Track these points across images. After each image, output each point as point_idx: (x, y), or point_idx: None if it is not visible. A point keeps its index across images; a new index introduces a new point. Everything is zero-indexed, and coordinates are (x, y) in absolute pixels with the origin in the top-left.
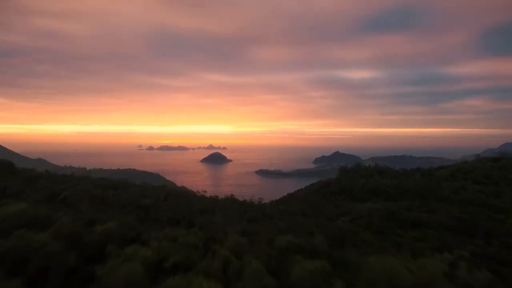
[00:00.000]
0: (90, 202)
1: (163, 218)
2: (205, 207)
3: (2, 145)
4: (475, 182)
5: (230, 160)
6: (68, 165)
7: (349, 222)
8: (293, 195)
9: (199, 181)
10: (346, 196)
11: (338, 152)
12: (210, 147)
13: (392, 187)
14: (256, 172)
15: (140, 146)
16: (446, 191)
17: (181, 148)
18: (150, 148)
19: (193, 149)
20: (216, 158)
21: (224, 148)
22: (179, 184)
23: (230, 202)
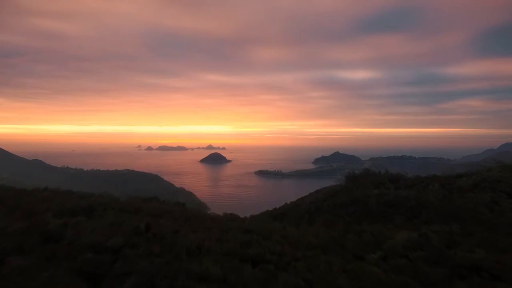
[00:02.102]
0: (34, 246)
1: (129, 284)
2: (196, 244)
3: None
4: (508, 195)
5: (229, 161)
6: (65, 166)
7: (383, 261)
8: (298, 206)
9: (198, 182)
10: (360, 210)
11: (337, 152)
12: (210, 147)
13: (412, 200)
14: (256, 172)
15: (139, 146)
16: (485, 210)
17: (180, 148)
18: (149, 148)
19: (192, 149)
20: (215, 159)
21: (224, 148)
22: (178, 185)
23: (229, 220)
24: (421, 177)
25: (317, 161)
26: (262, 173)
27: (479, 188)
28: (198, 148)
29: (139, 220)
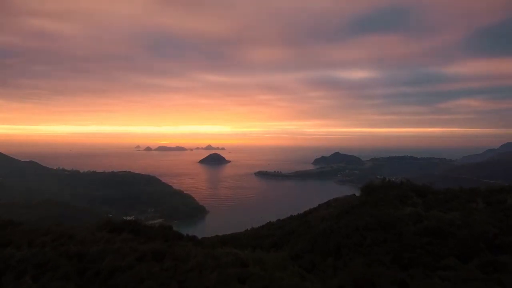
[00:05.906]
0: None
1: None
2: None
3: None
4: None
5: (228, 161)
6: (61, 168)
7: None
8: (308, 223)
9: (197, 184)
10: (393, 239)
11: (338, 152)
12: (209, 147)
13: (461, 227)
14: (255, 173)
15: (138, 146)
16: None
17: (179, 149)
18: (148, 148)
19: (191, 149)
20: (214, 159)
21: (223, 148)
22: (176, 187)
23: (225, 269)
24: (454, 189)
25: (317, 161)
26: (261, 174)
27: None
28: (197, 148)
29: None
